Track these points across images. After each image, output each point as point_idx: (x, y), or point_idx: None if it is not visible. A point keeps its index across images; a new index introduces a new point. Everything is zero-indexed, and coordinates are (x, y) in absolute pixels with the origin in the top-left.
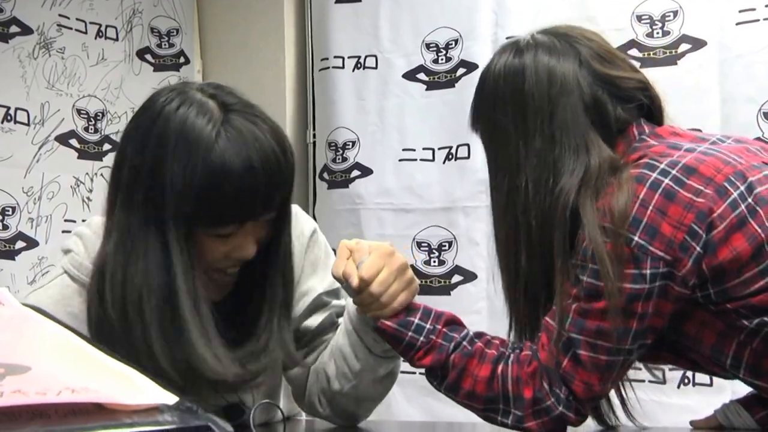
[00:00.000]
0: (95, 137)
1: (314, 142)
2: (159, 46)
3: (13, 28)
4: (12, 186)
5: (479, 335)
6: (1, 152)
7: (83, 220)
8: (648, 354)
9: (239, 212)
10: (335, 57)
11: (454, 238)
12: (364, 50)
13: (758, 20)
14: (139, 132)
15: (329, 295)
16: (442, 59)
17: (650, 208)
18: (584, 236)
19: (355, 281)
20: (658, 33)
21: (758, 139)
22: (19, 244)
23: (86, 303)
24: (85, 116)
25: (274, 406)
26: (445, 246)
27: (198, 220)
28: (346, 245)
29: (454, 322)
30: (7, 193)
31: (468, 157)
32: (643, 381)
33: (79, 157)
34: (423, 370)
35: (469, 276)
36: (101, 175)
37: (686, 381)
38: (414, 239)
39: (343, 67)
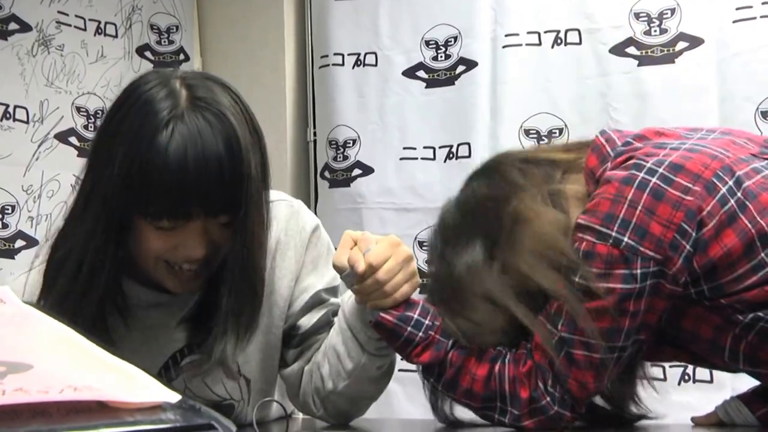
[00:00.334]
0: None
1: (315, 141)
2: (159, 43)
3: (12, 25)
4: (11, 184)
5: None
6: (1, 150)
7: None
8: (649, 349)
9: (169, 209)
10: (335, 54)
11: None
12: (364, 47)
13: (755, 18)
14: (108, 115)
15: (328, 292)
16: (441, 56)
17: (639, 208)
18: (575, 238)
19: (361, 266)
20: (655, 31)
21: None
22: (19, 243)
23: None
24: (85, 114)
25: (267, 405)
26: None
27: (132, 206)
28: (351, 236)
29: None
30: (6, 191)
31: (469, 156)
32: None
33: (78, 155)
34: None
35: None
36: None
37: (686, 378)
38: (416, 238)
39: (343, 65)
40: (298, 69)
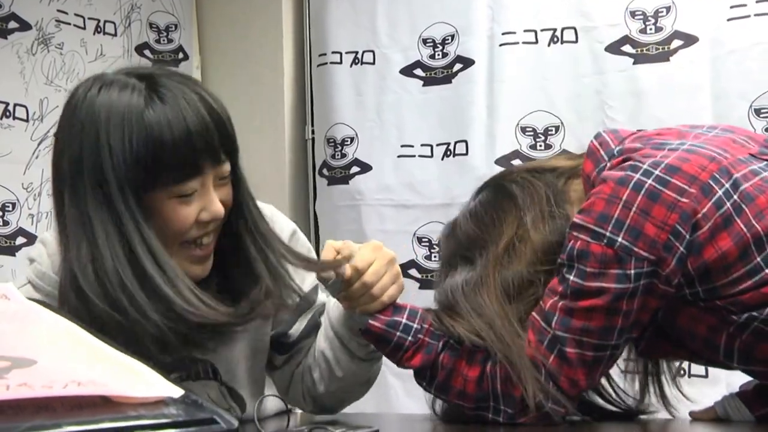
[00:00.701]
0: None
1: (313, 139)
2: (158, 41)
3: (12, 24)
4: (12, 182)
5: None
6: (1, 148)
7: None
8: (647, 346)
9: (189, 166)
10: (333, 52)
11: None
12: (361, 45)
13: (749, 16)
14: (67, 124)
15: (313, 292)
16: (438, 54)
17: (633, 209)
18: (570, 237)
19: (348, 271)
20: (651, 29)
21: None
22: (20, 240)
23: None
24: None
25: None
26: None
27: (153, 182)
28: (332, 245)
29: None
30: (7, 189)
31: (466, 154)
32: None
33: None
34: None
35: None
36: None
37: (682, 372)
38: (414, 234)
39: (340, 63)
40: (297, 67)
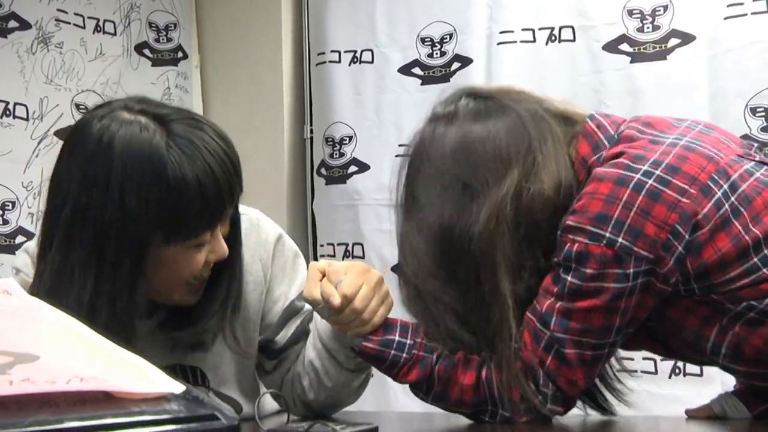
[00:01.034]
0: None
1: (311, 138)
2: (157, 40)
3: (12, 23)
4: (12, 181)
5: None
6: (1, 147)
7: None
8: (624, 339)
9: (210, 218)
10: (332, 51)
11: None
12: (360, 44)
13: (746, 15)
14: (79, 167)
15: (300, 298)
16: (436, 53)
17: (634, 210)
18: (566, 239)
19: (336, 300)
20: (648, 28)
21: (744, 136)
22: (20, 239)
23: None
24: (84, 111)
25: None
26: None
27: (169, 239)
28: (317, 267)
29: None
30: (6, 187)
31: None
32: (636, 371)
33: None
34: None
35: None
36: None
37: (677, 371)
38: None
39: (339, 62)
40: (295, 66)
